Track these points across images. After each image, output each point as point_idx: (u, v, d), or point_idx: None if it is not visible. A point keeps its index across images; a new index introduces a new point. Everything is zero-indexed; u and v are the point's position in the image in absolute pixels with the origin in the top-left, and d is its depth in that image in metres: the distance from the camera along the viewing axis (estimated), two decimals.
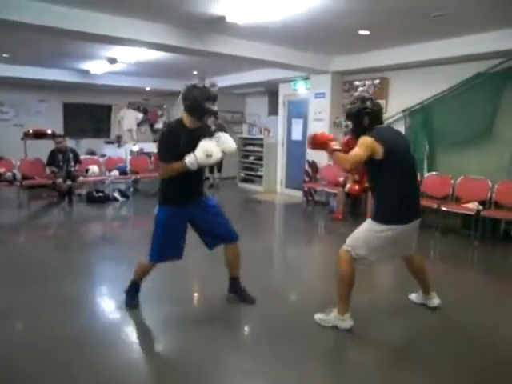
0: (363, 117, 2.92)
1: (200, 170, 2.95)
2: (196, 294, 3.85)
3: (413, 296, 3.46)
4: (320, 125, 8.01)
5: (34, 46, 6.92)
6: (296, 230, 6.39)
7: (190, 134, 2.87)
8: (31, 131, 8.80)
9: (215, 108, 2.91)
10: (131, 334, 2.97)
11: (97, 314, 3.25)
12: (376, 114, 2.94)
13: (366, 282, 3.83)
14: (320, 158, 7.97)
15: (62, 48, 7.04)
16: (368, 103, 2.93)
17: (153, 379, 2.50)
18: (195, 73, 9.53)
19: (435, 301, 3.31)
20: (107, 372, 2.44)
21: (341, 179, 6.87)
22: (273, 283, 4.01)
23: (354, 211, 6.87)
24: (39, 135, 8.76)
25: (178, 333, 2.95)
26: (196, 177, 3.02)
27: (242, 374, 2.47)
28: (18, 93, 10.00)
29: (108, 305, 3.43)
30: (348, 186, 6.38)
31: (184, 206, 3.02)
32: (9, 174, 7.34)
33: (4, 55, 7.77)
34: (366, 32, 5.60)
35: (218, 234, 3.19)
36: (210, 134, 2.90)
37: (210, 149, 2.81)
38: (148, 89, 10.69)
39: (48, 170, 7.71)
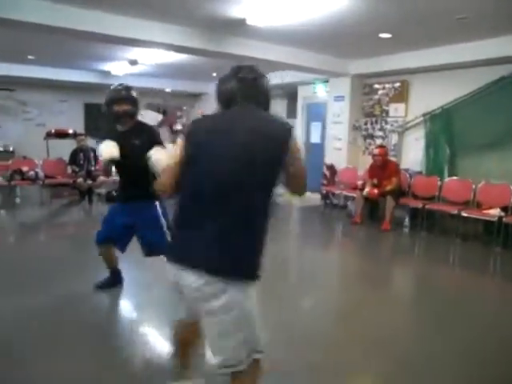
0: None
1: (135, 172, 2.98)
2: None
3: None
4: (339, 128, 7.97)
5: (57, 48, 7.07)
6: (313, 234, 6.35)
7: (119, 137, 3.01)
8: (53, 131, 8.99)
9: (124, 108, 2.98)
10: (146, 330, 2.99)
11: (112, 311, 3.28)
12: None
13: None
14: (339, 161, 7.93)
15: (84, 50, 7.18)
16: None
17: None
18: (215, 74, 9.59)
19: None
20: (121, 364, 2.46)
21: (359, 183, 6.82)
22: (288, 288, 3.98)
23: (373, 215, 6.80)
24: (61, 135, 8.94)
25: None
26: (131, 180, 3.14)
27: None
28: (41, 93, 10.22)
29: (125, 302, 3.47)
30: (367, 189, 6.37)
31: (121, 204, 3.26)
32: (32, 172, 7.49)
33: (29, 57, 7.96)
34: (388, 35, 5.55)
35: (142, 245, 3.23)
36: (136, 135, 3.00)
37: (101, 149, 3.00)
38: (168, 90, 10.80)
39: (69, 169, 7.84)
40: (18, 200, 7.47)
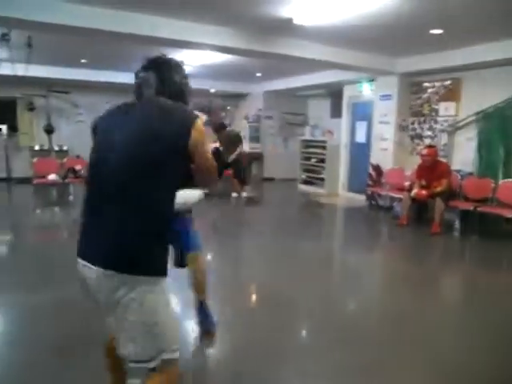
0: None
1: None
2: (254, 297, 3.88)
3: None
4: (386, 127, 7.79)
5: (107, 52, 7.35)
6: (357, 235, 6.24)
7: None
8: None
9: None
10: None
11: None
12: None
13: None
14: (385, 161, 7.76)
15: (133, 52, 7.39)
16: None
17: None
18: (259, 75, 9.64)
19: None
20: None
21: (406, 184, 6.63)
22: (330, 290, 3.93)
23: (420, 218, 6.59)
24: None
25: (239, 331, 2.98)
26: None
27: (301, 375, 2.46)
28: (92, 95, 10.63)
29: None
30: (414, 191, 6.19)
31: None
32: (84, 171, 7.83)
33: (82, 61, 8.30)
34: (439, 31, 5.36)
35: None
36: None
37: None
38: (212, 90, 10.95)
39: None
40: (71, 197, 7.83)
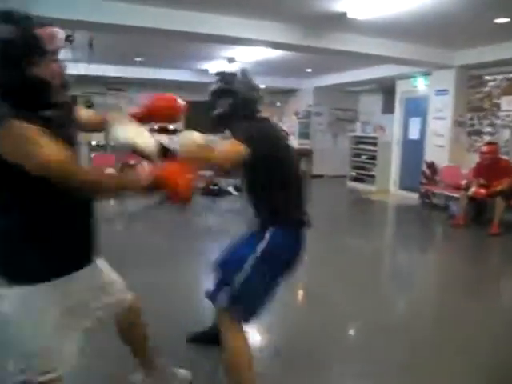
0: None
1: None
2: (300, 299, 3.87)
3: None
4: (441, 123, 7.51)
5: (162, 50, 7.55)
6: (409, 235, 6.05)
7: None
8: (156, 127, 9.60)
9: None
10: None
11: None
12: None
13: None
14: (440, 158, 7.47)
15: (186, 50, 7.58)
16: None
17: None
18: (309, 70, 9.57)
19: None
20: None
21: (463, 182, 6.35)
22: (379, 290, 3.85)
23: (478, 218, 6.30)
24: (164, 131, 9.54)
25: (286, 328, 2.99)
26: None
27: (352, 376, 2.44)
28: (147, 92, 10.97)
29: None
30: (472, 189, 5.92)
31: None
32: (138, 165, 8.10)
33: (137, 59, 8.60)
34: (505, 20, 5.07)
35: None
36: None
37: None
38: (262, 86, 10.97)
39: None
40: None
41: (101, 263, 1.72)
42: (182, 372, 2.21)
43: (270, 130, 2.03)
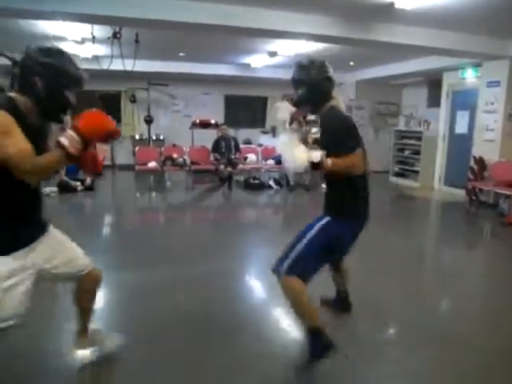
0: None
1: None
2: None
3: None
4: (492, 117, 7.18)
5: (205, 45, 7.62)
6: (455, 233, 5.83)
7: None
8: (198, 121, 9.78)
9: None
10: (277, 313, 3.08)
11: (244, 294, 3.46)
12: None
13: None
14: (489, 154, 7.15)
15: (229, 44, 7.61)
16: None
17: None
18: (352, 64, 9.38)
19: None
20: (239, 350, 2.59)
21: None
22: (421, 290, 3.73)
23: None
24: (204, 125, 9.68)
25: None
26: None
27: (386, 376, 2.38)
28: (188, 87, 11.13)
29: (257, 285, 3.62)
30: None
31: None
32: (180, 159, 8.26)
33: (180, 54, 8.72)
34: None
35: None
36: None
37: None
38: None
39: (212, 157, 8.44)
40: (168, 184, 8.33)
41: (57, 234, 2.07)
42: (113, 336, 2.46)
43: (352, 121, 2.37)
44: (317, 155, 2.16)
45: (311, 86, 2.31)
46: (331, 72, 2.37)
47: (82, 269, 2.13)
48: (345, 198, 2.35)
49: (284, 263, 2.29)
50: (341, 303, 2.97)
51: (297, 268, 2.26)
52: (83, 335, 2.32)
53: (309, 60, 2.38)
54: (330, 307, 2.98)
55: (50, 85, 1.74)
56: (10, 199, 1.75)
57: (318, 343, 2.26)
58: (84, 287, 2.19)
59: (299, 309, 2.31)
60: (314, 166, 2.17)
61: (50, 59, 1.75)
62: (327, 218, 2.36)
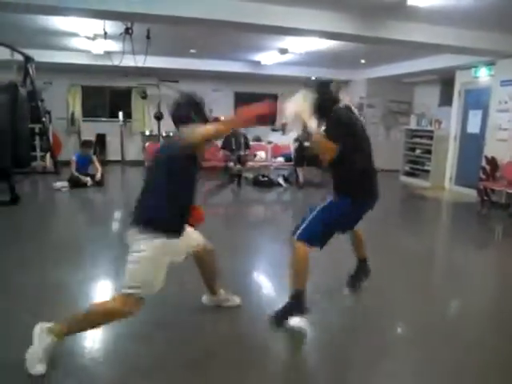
0: None
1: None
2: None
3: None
4: (506, 116, 7.09)
5: (215, 41, 7.62)
6: (466, 234, 5.76)
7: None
8: None
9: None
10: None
11: (253, 289, 3.45)
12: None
13: None
14: (502, 154, 7.07)
15: (240, 41, 7.59)
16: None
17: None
18: (363, 61, 9.32)
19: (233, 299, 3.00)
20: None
21: None
22: (433, 290, 3.69)
23: None
24: (214, 121, 9.67)
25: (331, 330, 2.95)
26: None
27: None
28: (198, 83, 11.07)
29: (267, 280, 3.62)
30: None
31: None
32: None
33: (191, 51, 8.73)
34: None
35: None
36: None
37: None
38: (313, 78, 10.82)
39: (221, 154, 8.45)
40: None
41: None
42: (235, 297, 3.00)
43: (352, 117, 2.75)
44: (313, 126, 2.60)
45: (317, 108, 2.70)
46: (333, 90, 2.79)
47: (200, 247, 2.66)
48: (347, 180, 2.79)
49: (299, 229, 2.71)
50: (360, 270, 3.30)
51: (305, 234, 2.67)
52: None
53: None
54: (353, 281, 3.32)
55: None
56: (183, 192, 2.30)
57: (296, 304, 2.67)
58: (203, 258, 2.71)
59: (295, 269, 2.68)
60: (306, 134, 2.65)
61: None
62: (333, 196, 2.79)
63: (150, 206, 2.26)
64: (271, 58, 9.03)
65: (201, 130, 2.21)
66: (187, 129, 2.26)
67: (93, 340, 2.52)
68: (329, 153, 2.60)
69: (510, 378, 2.36)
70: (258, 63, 9.78)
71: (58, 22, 6.25)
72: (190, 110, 2.36)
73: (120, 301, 2.21)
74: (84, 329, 2.32)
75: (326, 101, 2.72)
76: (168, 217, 2.23)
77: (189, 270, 2.84)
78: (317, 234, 2.69)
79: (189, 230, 2.50)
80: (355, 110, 2.87)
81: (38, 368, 2.09)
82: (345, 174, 2.78)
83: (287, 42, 7.43)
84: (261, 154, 8.65)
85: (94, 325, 2.30)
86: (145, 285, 2.19)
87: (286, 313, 2.70)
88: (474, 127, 8.14)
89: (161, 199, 2.22)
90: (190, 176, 2.31)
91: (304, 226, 2.71)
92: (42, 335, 2.13)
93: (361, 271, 3.31)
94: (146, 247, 2.16)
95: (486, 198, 7.14)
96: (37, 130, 8.96)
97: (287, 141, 9.58)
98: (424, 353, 2.56)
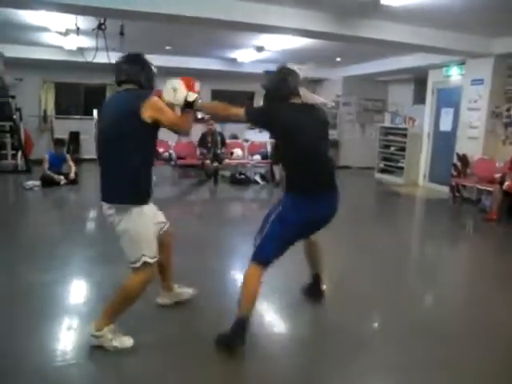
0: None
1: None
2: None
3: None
4: (475, 114, 7.28)
5: (191, 39, 7.55)
6: (439, 229, 5.90)
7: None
8: None
9: None
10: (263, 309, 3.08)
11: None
12: None
13: None
14: (473, 151, 7.26)
15: (214, 39, 7.55)
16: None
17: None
18: (338, 59, 9.40)
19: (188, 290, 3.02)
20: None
21: (497, 175, 6.16)
22: (406, 284, 3.77)
23: (511, 212, 6.09)
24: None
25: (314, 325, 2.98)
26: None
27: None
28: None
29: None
30: (507, 183, 5.74)
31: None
32: (166, 153, 8.19)
33: (167, 47, 8.63)
34: None
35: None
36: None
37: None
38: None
39: (198, 152, 8.39)
40: (154, 178, 8.22)
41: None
42: (189, 290, 3.00)
43: (288, 111, 2.51)
44: (193, 95, 2.41)
45: (269, 88, 2.64)
46: (293, 74, 2.57)
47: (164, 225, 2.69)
48: (290, 176, 2.59)
49: (254, 247, 2.56)
50: (312, 289, 3.07)
51: (260, 255, 2.51)
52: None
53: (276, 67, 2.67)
54: (305, 295, 3.09)
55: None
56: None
57: (238, 330, 2.40)
58: (163, 242, 2.60)
59: (243, 292, 2.49)
60: (188, 104, 2.39)
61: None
62: (283, 197, 2.62)
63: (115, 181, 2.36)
64: (248, 55, 9.01)
65: (171, 117, 2.32)
66: (153, 100, 2.28)
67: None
68: (232, 111, 2.57)
69: (476, 365, 2.43)
70: (234, 60, 9.75)
71: (28, 16, 6.08)
72: (140, 70, 2.43)
73: (134, 277, 2.35)
74: (120, 311, 2.42)
75: (273, 91, 2.60)
76: (137, 186, 2.34)
77: None
78: (271, 252, 2.50)
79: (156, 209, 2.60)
80: (311, 109, 2.60)
81: (127, 342, 2.40)
82: (285, 170, 2.72)
83: (263, 39, 7.43)
84: (237, 152, 8.63)
85: (125, 305, 2.40)
86: (145, 249, 2.32)
87: (227, 338, 2.41)
88: (446, 125, 8.32)
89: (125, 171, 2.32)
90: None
91: (259, 243, 2.53)
92: (99, 338, 2.35)
93: (314, 289, 3.07)
94: (127, 220, 2.30)
95: (457, 194, 7.33)
96: (7, 128, 8.72)
97: (264, 139, 9.60)
98: (395, 344, 2.62)
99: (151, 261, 2.34)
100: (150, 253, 2.34)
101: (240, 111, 2.51)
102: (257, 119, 2.63)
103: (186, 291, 2.99)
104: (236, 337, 2.39)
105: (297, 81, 2.56)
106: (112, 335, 2.36)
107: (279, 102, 2.54)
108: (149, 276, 2.37)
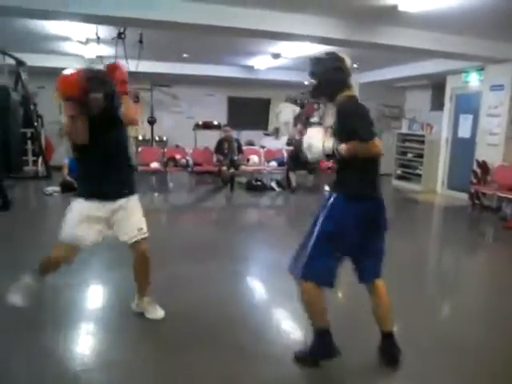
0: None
1: None
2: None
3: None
4: (495, 121, 7.17)
5: (208, 46, 7.64)
6: (457, 237, 5.79)
7: None
8: (201, 123, 9.80)
9: None
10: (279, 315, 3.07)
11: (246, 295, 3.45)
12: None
13: None
14: (492, 158, 7.14)
15: (232, 46, 7.62)
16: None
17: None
18: (355, 66, 9.37)
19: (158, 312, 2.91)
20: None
21: None
22: (424, 293, 3.72)
23: None
24: (207, 126, 9.71)
25: None
26: None
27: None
28: (191, 88, 11.15)
29: (258, 287, 3.62)
30: None
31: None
32: (183, 160, 8.27)
33: (184, 55, 8.74)
34: None
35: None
36: None
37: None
38: (306, 83, 10.79)
39: (214, 158, 8.45)
40: (171, 185, 8.32)
41: (132, 204, 2.78)
42: (160, 310, 2.90)
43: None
44: (329, 147, 2.21)
45: (322, 78, 2.33)
46: (345, 62, 2.33)
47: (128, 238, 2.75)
48: (350, 177, 2.28)
49: (298, 265, 2.30)
50: (384, 349, 2.49)
51: (310, 273, 2.25)
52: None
53: (322, 53, 2.38)
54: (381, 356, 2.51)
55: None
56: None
57: (321, 343, 2.31)
58: (135, 255, 2.80)
59: (311, 312, 2.34)
60: (329, 156, 2.22)
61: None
62: (331, 200, 2.29)
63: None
64: (264, 62, 9.07)
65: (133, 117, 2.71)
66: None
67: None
68: (374, 153, 2.20)
69: (501, 380, 2.38)
70: (251, 68, 9.82)
71: (50, 26, 6.23)
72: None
73: (55, 249, 2.68)
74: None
75: (333, 73, 2.29)
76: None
77: None
78: (322, 266, 2.26)
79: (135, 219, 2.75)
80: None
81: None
82: (351, 171, 2.29)
83: (280, 46, 7.47)
84: (254, 159, 8.66)
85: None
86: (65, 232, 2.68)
87: (311, 354, 2.35)
88: (464, 131, 8.21)
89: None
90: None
91: (304, 260, 2.27)
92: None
93: (387, 349, 2.49)
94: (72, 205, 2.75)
95: (477, 201, 7.21)
96: (29, 135, 8.92)
97: (280, 145, 9.62)
98: (414, 355, 2.58)
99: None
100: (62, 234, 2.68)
101: (375, 143, 2.16)
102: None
103: (152, 311, 2.88)
104: (322, 348, 2.31)
105: (350, 70, 2.36)
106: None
107: (334, 95, 2.31)
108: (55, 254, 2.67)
